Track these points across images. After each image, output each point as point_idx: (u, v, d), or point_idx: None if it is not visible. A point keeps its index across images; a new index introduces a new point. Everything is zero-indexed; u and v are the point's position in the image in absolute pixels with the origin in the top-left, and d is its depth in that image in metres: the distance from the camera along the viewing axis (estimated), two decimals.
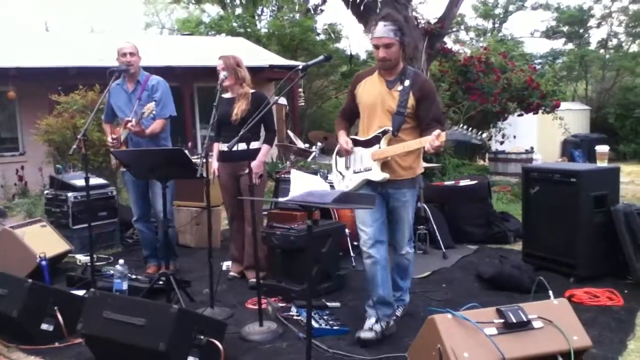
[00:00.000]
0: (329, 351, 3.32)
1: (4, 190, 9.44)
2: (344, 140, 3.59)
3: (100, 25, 32.14)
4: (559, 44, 23.10)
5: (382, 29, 3.31)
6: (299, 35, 19.34)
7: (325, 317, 3.76)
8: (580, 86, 21.56)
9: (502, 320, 2.61)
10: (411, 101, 3.38)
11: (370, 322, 3.53)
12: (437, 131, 3.14)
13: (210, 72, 5.21)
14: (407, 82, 3.39)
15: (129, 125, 4.54)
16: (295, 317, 3.83)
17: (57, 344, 3.52)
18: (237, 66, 4.51)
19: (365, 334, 3.44)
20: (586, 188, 4.39)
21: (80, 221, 5.81)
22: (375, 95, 3.49)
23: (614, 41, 21.74)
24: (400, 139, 3.39)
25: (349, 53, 21.49)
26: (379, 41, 3.33)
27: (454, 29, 21.92)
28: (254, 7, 21.51)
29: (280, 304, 4.09)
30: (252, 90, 4.61)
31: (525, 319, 2.62)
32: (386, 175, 3.43)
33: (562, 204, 4.51)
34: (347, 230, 5.12)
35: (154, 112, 4.45)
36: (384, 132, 3.42)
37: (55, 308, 3.56)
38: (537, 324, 2.64)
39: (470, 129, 3.17)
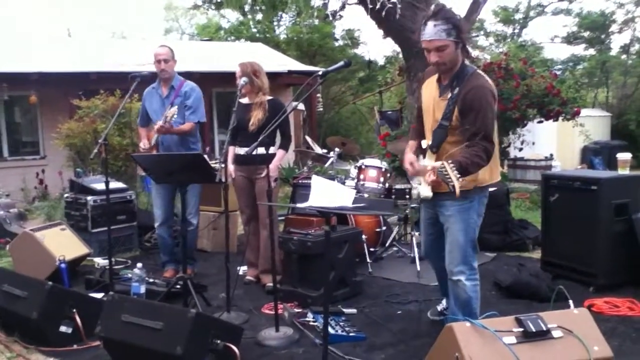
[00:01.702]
0: (345, 357, 3.31)
1: (24, 193, 9.57)
2: (406, 158, 3.25)
3: (121, 31, 32.51)
4: (579, 49, 22.88)
5: (432, 29, 2.91)
6: (318, 41, 19.42)
7: (341, 324, 3.74)
8: (601, 92, 21.30)
9: (521, 329, 2.58)
10: (456, 112, 3.00)
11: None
12: (432, 165, 2.86)
13: (228, 78, 5.25)
14: (457, 89, 3.00)
15: (157, 125, 4.61)
16: (311, 323, 3.82)
17: (75, 347, 3.55)
18: (253, 74, 4.53)
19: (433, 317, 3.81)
20: (607, 196, 4.32)
21: (99, 225, 5.86)
22: (428, 102, 3.22)
23: (637, 46, 21.46)
24: (447, 153, 3.04)
25: (367, 59, 21.52)
26: (429, 44, 2.95)
27: (474, 35, 21.81)
28: (274, 12, 21.62)
29: (297, 310, 4.08)
30: (269, 98, 4.64)
31: (544, 328, 2.58)
32: (428, 194, 3.14)
33: (582, 212, 4.45)
34: (363, 236, 5.11)
35: (175, 116, 4.50)
36: (428, 147, 3.16)
37: (74, 311, 3.59)
38: (556, 333, 2.60)
39: (446, 174, 2.72)
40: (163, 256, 5.13)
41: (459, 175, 2.72)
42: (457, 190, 2.71)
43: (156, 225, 5.05)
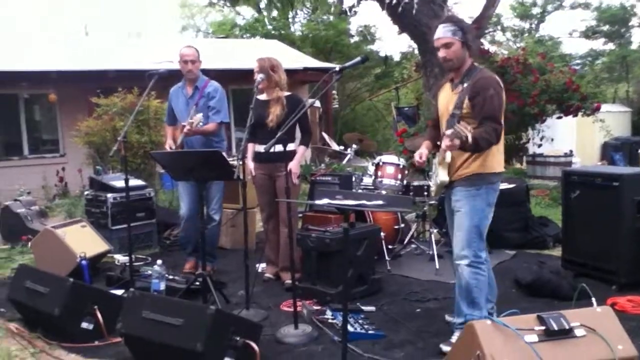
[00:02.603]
0: (364, 355, 3.30)
1: (44, 191, 9.68)
2: (417, 153, 3.52)
3: (136, 29, 32.74)
4: (598, 44, 22.59)
5: (441, 30, 3.30)
6: (333, 38, 19.37)
7: (360, 321, 3.74)
8: (621, 87, 21.01)
9: (543, 328, 2.55)
10: (466, 101, 3.28)
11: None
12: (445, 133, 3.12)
13: (244, 75, 5.29)
14: (467, 83, 3.31)
15: (184, 130, 4.65)
16: (330, 321, 3.82)
17: (96, 343, 3.58)
18: (271, 70, 4.52)
19: (445, 347, 3.32)
20: (629, 192, 4.26)
21: (119, 222, 5.91)
22: (443, 99, 3.51)
23: None
24: None
25: (383, 55, 21.46)
26: (437, 42, 3.32)
27: (491, 30, 21.63)
28: (290, 8, 21.65)
29: (315, 307, 4.08)
30: (287, 94, 4.63)
31: (567, 327, 2.55)
32: (444, 179, 3.37)
33: (604, 209, 4.39)
34: (382, 234, 5.09)
35: (201, 123, 4.57)
36: (442, 134, 3.37)
37: (95, 307, 3.63)
38: (579, 332, 2.56)
39: (460, 129, 3.04)
40: (189, 246, 5.15)
41: (469, 134, 3.02)
42: (470, 137, 3.01)
43: (183, 220, 5.08)
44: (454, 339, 3.32)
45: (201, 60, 5.00)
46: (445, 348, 3.31)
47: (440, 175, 3.39)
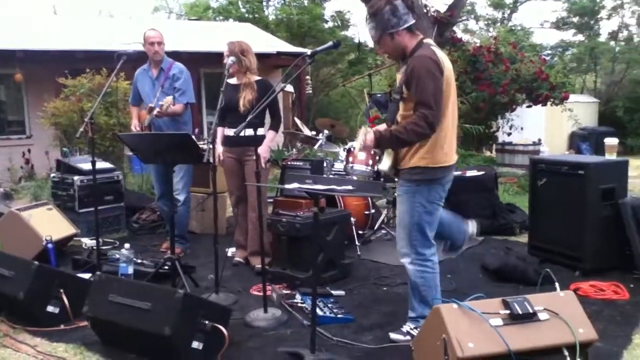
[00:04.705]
0: (332, 339, 3.33)
1: (10, 173, 9.48)
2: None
3: (108, 9, 32.03)
4: (568, 35, 22.94)
5: (367, 28, 3.12)
6: (308, 23, 19.26)
7: (329, 305, 3.76)
8: (589, 78, 21.40)
9: (507, 311, 2.60)
10: (404, 85, 3.05)
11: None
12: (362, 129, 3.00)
13: (217, 58, 5.23)
14: (407, 64, 3.06)
15: (154, 113, 4.70)
16: (299, 305, 3.83)
17: (62, 327, 3.53)
18: (241, 54, 4.49)
19: (395, 335, 3.33)
20: (594, 181, 4.35)
21: (87, 205, 5.83)
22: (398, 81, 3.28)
23: (625, 33, 21.54)
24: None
25: (356, 41, 21.43)
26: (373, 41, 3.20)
27: (464, 18, 21.76)
28: None
29: (285, 291, 4.09)
30: (257, 78, 4.61)
31: (531, 311, 2.61)
32: (383, 167, 3.22)
33: (570, 197, 4.48)
34: (352, 219, 5.11)
35: (171, 106, 4.63)
36: (385, 121, 3.28)
37: (61, 290, 3.57)
38: (543, 315, 2.62)
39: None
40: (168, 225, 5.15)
41: (364, 140, 2.97)
42: (356, 151, 3.08)
43: (156, 198, 5.39)
44: (404, 328, 3.33)
45: (164, 42, 5.02)
46: (395, 336, 3.32)
47: (383, 163, 3.22)
